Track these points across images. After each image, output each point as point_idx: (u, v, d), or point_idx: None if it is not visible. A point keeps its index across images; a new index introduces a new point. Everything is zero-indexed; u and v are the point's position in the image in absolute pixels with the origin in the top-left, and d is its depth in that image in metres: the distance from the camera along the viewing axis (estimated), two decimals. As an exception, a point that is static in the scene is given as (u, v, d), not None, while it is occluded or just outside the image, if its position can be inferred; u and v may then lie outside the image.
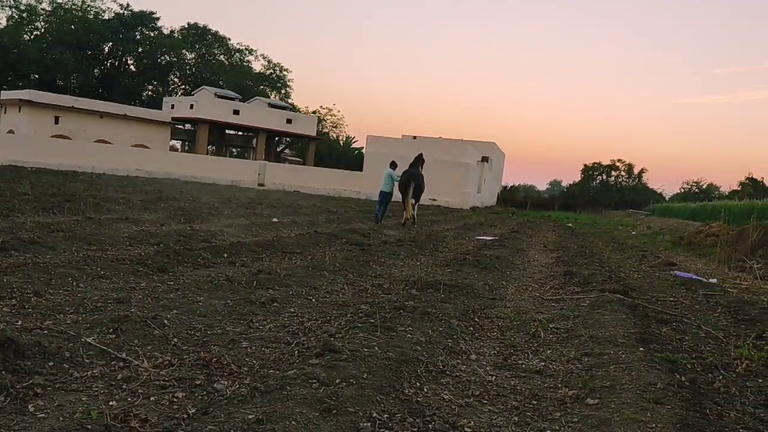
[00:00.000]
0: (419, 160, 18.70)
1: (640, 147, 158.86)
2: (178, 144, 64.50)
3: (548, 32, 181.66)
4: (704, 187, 66.18)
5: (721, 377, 4.99)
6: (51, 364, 4.07)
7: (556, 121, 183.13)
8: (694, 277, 11.17)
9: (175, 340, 4.80)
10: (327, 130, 67.14)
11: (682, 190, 66.71)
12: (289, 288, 7.09)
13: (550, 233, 22.30)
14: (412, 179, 17.60)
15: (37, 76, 56.11)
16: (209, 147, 56.48)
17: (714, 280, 11.05)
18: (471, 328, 6.18)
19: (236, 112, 50.61)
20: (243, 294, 6.44)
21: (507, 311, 7.18)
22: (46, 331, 4.53)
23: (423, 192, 18.15)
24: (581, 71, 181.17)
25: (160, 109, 51.26)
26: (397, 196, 18.82)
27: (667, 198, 66.55)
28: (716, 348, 5.98)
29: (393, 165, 18.81)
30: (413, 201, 17.88)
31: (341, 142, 66.59)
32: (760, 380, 4.96)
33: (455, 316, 6.37)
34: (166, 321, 5.12)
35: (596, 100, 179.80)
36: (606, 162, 68.24)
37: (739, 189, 54.47)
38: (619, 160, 68.18)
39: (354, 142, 67.00)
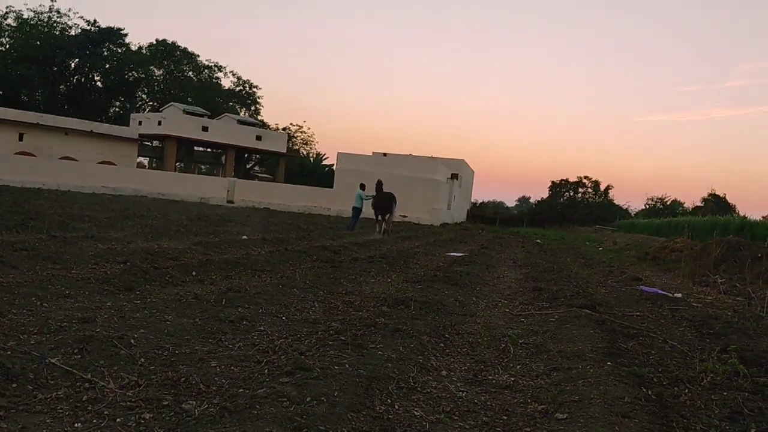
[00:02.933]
0: (380, 185, 22.30)
1: (607, 164, 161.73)
2: (145, 161, 63.73)
3: (516, 50, 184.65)
4: (668, 203, 67.49)
5: (687, 391, 5.04)
6: (14, 385, 3.99)
7: (525, 138, 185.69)
8: (660, 291, 11.34)
9: (142, 360, 4.73)
10: (297, 147, 67.09)
11: (647, 207, 67.96)
12: (259, 306, 7.05)
13: (519, 249, 22.47)
14: (386, 202, 21.51)
15: (1, 92, 55.13)
16: (177, 164, 55.91)
17: (679, 295, 11.24)
18: (442, 345, 6.19)
19: (205, 129, 50.29)
20: (212, 312, 6.37)
21: (477, 327, 7.22)
22: (9, 352, 4.43)
23: (393, 210, 21.91)
24: (548, 89, 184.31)
25: (128, 125, 50.69)
26: (369, 212, 22.95)
27: (632, 214, 67.66)
28: (682, 362, 6.06)
29: (362, 186, 23.08)
30: (386, 218, 21.60)
31: (312, 159, 66.55)
32: (725, 393, 5.02)
33: (426, 333, 6.38)
34: (132, 341, 5.04)
35: (563, 117, 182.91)
36: (573, 179, 69.13)
37: (702, 205, 55.64)
38: (585, 177, 69.10)
39: (324, 159, 67.06)
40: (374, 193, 22.24)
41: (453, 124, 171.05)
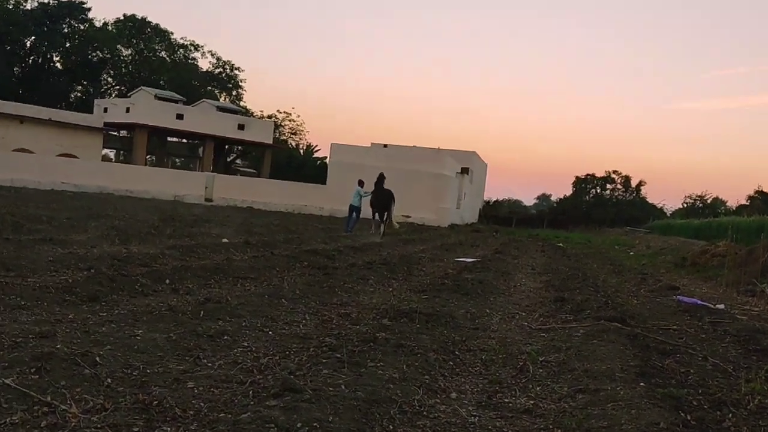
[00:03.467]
0: (382, 178, 22.86)
1: (639, 157, 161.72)
2: (111, 153, 63.80)
3: (537, 33, 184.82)
4: (709, 201, 67.60)
5: (730, 415, 5.05)
6: (-38, 410, 3.98)
7: (545, 128, 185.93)
8: (699, 302, 11.35)
9: (109, 380, 4.73)
10: (285, 138, 67.08)
11: (685, 206, 68.09)
12: (242, 319, 7.09)
13: (539, 254, 22.59)
14: (383, 199, 22.23)
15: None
16: (148, 157, 55.99)
17: (721, 306, 11.26)
18: (451, 363, 6.22)
19: (180, 117, 50.34)
20: (189, 326, 6.41)
21: (491, 343, 7.25)
22: (-45, 372, 4.44)
23: (393, 209, 22.72)
24: (572, 74, 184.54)
25: (91, 112, 50.64)
26: (368, 211, 23.43)
27: (668, 214, 67.83)
28: (725, 382, 6.08)
29: (360, 183, 23.48)
30: (383, 218, 22.47)
31: (301, 151, 66.65)
32: (774, 418, 5.06)
33: (433, 349, 6.41)
34: (98, 358, 5.05)
35: (589, 105, 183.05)
36: (600, 173, 69.14)
37: (747, 204, 55.71)
38: (614, 172, 69.03)
39: (316, 150, 67.14)
40: (373, 189, 22.77)
41: (464, 111, 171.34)
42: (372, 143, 48.00)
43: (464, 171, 45.00)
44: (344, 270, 11.79)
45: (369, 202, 22.90)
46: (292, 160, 60.69)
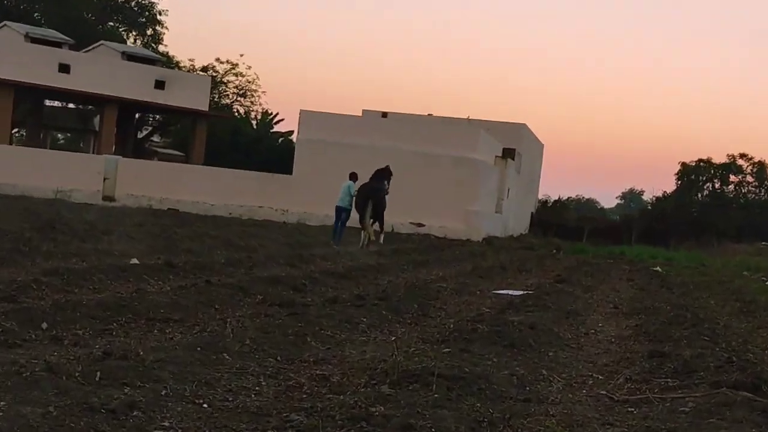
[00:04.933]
0: (385, 174, 24.36)
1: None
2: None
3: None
4: None
5: None
6: None
7: (632, 95, 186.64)
8: None
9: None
10: (229, 102, 66.98)
11: None
12: (161, 383, 7.09)
13: (624, 284, 22.63)
14: (370, 196, 23.56)
15: None
16: (15, 131, 55.84)
17: None
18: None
19: (64, 68, 49.99)
20: (77, 395, 6.37)
21: (550, 423, 7.21)
22: None
23: (384, 209, 24.34)
24: (671, 21, 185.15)
25: None
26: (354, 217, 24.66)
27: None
28: None
29: (353, 176, 24.62)
30: (372, 221, 23.98)
31: (254, 123, 66.57)
32: None
33: (460, 433, 6.34)
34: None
35: (695, 58, 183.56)
36: (720, 159, 68.38)
37: None
38: (742, 156, 67.81)
39: (277, 121, 67.06)
40: (373, 183, 24.06)
41: (507, 67, 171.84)
42: (364, 110, 47.78)
43: (508, 154, 44.92)
44: (321, 308, 11.83)
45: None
46: (239, 137, 60.39)
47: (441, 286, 16.26)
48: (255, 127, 65.60)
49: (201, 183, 39.12)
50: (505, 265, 24.21)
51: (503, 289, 17.30)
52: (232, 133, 60.41)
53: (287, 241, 24.50)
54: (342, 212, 24.33)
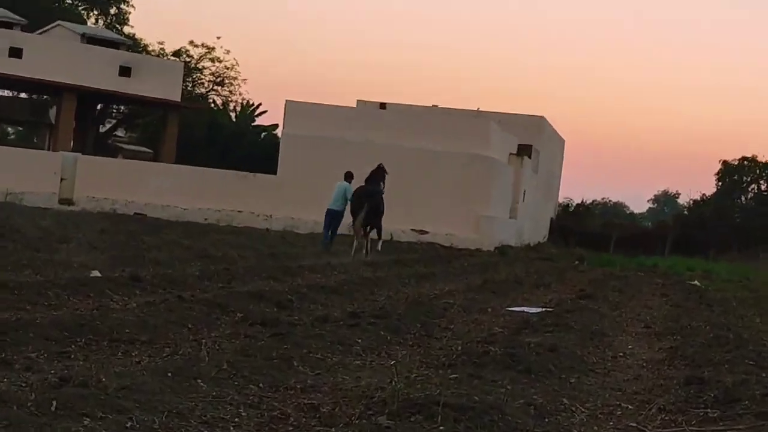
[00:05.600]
0: (379, 174, 24.75)
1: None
2: None
3: None
4: None
5: None
6: None
7: (667, 84, 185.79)
8: None
9: None
10: (204, 91, 66.88)
11: None
12: (126, 414, 7.05)
13: (658, 299, 22.55)
14: (365, 199, 24.08)
15: None
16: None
17: None
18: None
19: (16, 52, 49.97)
20: (30, 428, 6.36)
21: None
22: None
23: (383, 214, 24.81)
24: (711, 4, 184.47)
25: None
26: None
27: None
28: None
29: (348, 177, 25.36)
30: (368, 228, 24.54)
31: (233, 115, 66.39)
32: None
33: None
34: None
35: (739, 49, 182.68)
36: (766, 157, 68.16)
37: None
38: (792, 153, 68.02)
39: (259, 113, 66.95)
40: (369, 186, 24.33)
41: (522, 53, 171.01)
42: (359, 101, 47.73)
43: (524, 151, 44.84)
44: (310, 328, 11.74)
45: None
46: (216, 132, 60.17)
47: (447, 303, 16.13)
48: (234, 120, 65.29)
49: (172, 184, 38.93)
50: (521, 279, 24.12)
51: (518, 306, 17.22)
52: (207, 127, 60.08)
53: (271, 251, 24.34)
54: (334, 217, 24.74)
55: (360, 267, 21.71)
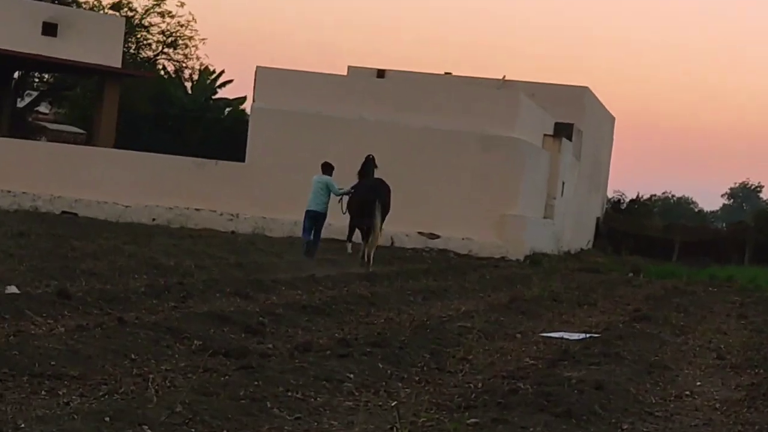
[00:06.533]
0: (371, 165, 25.22)
1: None
2: None
3: None
4: None
5: None
6: None
7: (747, 52, 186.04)
8: None
9: None
10: (152, 53, 67.00)
11: None
12: None
13: (734, 323, 22.56)
14: (377, 197, 24.32)
15: None
16: None
17: None
18: None
19: None
20: None
21: None
22: None
23: (388, 214, 24.97)
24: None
25: None
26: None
27: None
28: None
29: (327, 168, 25.34)
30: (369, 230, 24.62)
31: (190, 84, 66.49)
32: None
33: None
34: None
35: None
36: None
37: None
38: None
39: (222, 83, 67.02)
40: (358, 181, 24.57)
41: (559, 5, 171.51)
42: (351, 68, 47.66)
43: (563, 132, 44.97)
44: (287, 359, 11.81)
45: (347, 203, 24.57)
46: (167, 106, 60.34)
47: (464, 327, 16.08)
48: (190, 91, 65.51)
49: (111, 174, 39.05)
50: (559, 296, 24.16)
51: (555, 332, 17.27)
52: (156, 100, 60.25)
53: (238, 259, 24.44)
54: (316, 219, 24.97)
55: (352, 280, 21.68)
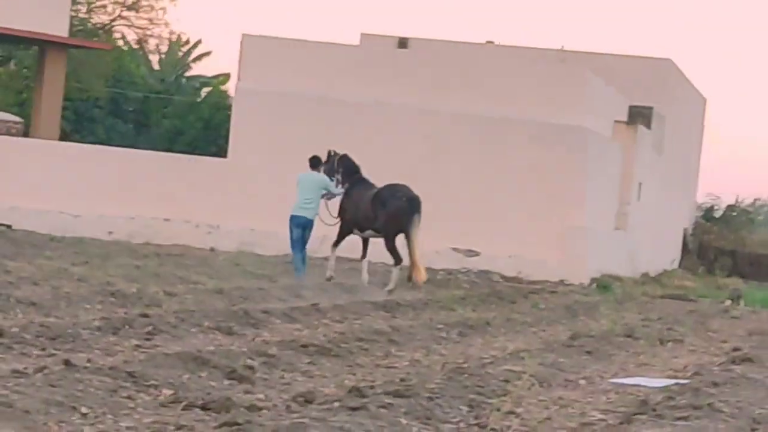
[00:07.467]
0: (351, 162, 26.42)
1: None
2: None
3: None
4: None
5: None
6: None
7: None
8: None
9: None
10: (108, 19, 67.47)
11: None
12: None
13: None
14: (416, 208, 25.87)
15: None
16: None
17: None
18: None
19: None
20: None
21: None
22: None
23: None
24: None
25: None
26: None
27: None
28: None
29: (316, 162, 26.54)
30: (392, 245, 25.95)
31: (157, 58, 67.01)
32: None
33: None
34: None
35: None
36: None
37: None
38: None
39: (197, 57, 67.54)
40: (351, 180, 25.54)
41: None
42: (364, 36, 47.88)
43: (639, 118, 45.00)
44: (284, 414, 11.69)
45: (358, 215, 25.17)
46: (127, 86, 60.84)
47: (511, 371, 15.95)
48: (157, 67, 66.01)
49: (55, 175, 39.40)
50: (635, 331, 24.15)
51: (631, 377, 17.24)
52: (112, 79, 60.76)
53: (219, 284, 24.58)
54: (305, 227, 25.49)
55: (367, 310, 21.64)
